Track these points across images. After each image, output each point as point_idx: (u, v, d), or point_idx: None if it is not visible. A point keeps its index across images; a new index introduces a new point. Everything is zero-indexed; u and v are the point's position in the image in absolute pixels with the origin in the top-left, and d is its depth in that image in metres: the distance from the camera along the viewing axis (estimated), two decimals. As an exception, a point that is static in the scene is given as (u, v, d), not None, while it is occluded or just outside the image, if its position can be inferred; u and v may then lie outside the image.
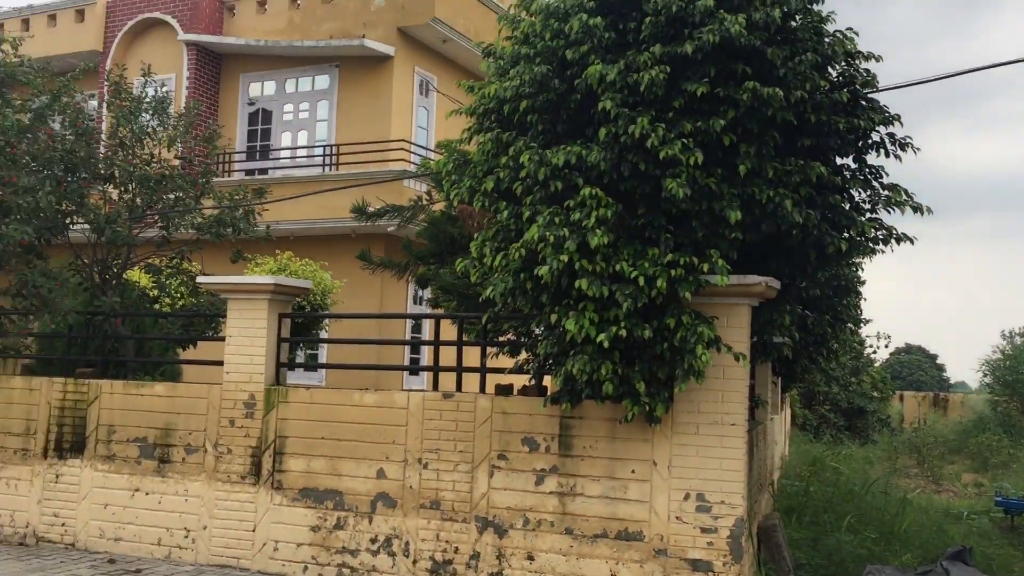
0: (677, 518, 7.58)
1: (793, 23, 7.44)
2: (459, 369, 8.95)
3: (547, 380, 8.62)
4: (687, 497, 7.58)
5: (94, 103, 18.69)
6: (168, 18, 19.70)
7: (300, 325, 13.39)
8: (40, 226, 10.07)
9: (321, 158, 18.40)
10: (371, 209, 11.25)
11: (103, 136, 11.51)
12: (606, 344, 6.83)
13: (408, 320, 17.36)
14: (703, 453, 7.57)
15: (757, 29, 7.05)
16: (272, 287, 9.10)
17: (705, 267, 6.92)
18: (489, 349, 8.97)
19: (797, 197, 7.12)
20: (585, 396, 7.52)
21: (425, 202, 11.11)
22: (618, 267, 6.88)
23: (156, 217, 10.95)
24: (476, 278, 7.74)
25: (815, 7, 7.55)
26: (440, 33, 18.47)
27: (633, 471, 7.78)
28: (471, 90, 8.08)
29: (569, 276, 6.93)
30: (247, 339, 9.17)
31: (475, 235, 7.74)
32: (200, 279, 9.56)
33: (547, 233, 6.85)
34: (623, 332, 6.82)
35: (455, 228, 9.86)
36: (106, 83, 11.42)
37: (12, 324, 10.99)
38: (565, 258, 6.77)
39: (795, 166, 7.20)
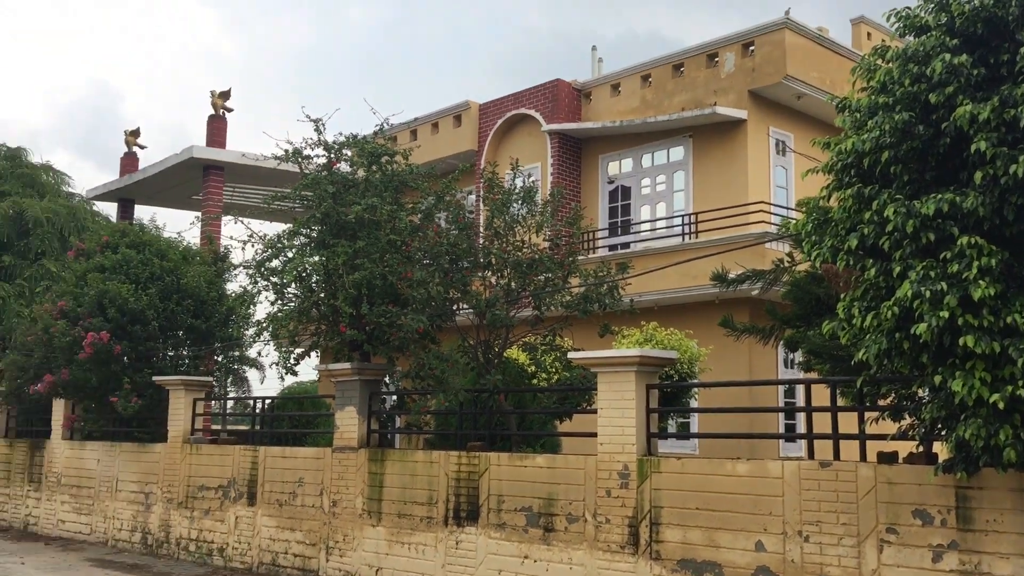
0: (1111, 605, 6.56)
1: None
2: (835, 436, 8.53)
3: (937, 446, 7.94)
4: (1122, 581, 6.55)
5: (472, 198, 20.56)
6: (532, 112, 21.24)
7: (669, 395, 13.53)
8: (432, 314, 11.23)
9: (680, 228, 18.65)
10: (731, 275, 11.19)
11: (481, 227, 12.63)
12: (1002, 405, 6.21)
13: (780, 386, 16.82)
14: None
15: None
16: (638, 359, 9.34)
17: (1120, 314, 6.07)
18: (867, 414, 8.47)
19: None
20: (983, 464, 6.84)
21: (787, 264, 10.85)
22: (1009, 320, 6.26)
23: (529, 298, 11.74)
24: (846, 340, 7.39)
25: None
26: (793, 90, 18.13)
27: (1049, 549, 6.88)
28: (827, 146, 7.84)
29: (951, 333, 6.42)
30: (617, 411, 9.46)
31: (842, 295, 7.42)
32: (571, 354, 10.07)
33: (922, 288, 6.42)
34: (1022, 392, 6.15)
35: (820, 289, 9.50)
36: (481, 179, 12.56)
37: (413, 403, 12.27)
38: (945, 314, 6.30)
39: None
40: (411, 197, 12.79)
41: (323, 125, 12.36)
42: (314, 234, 12.19)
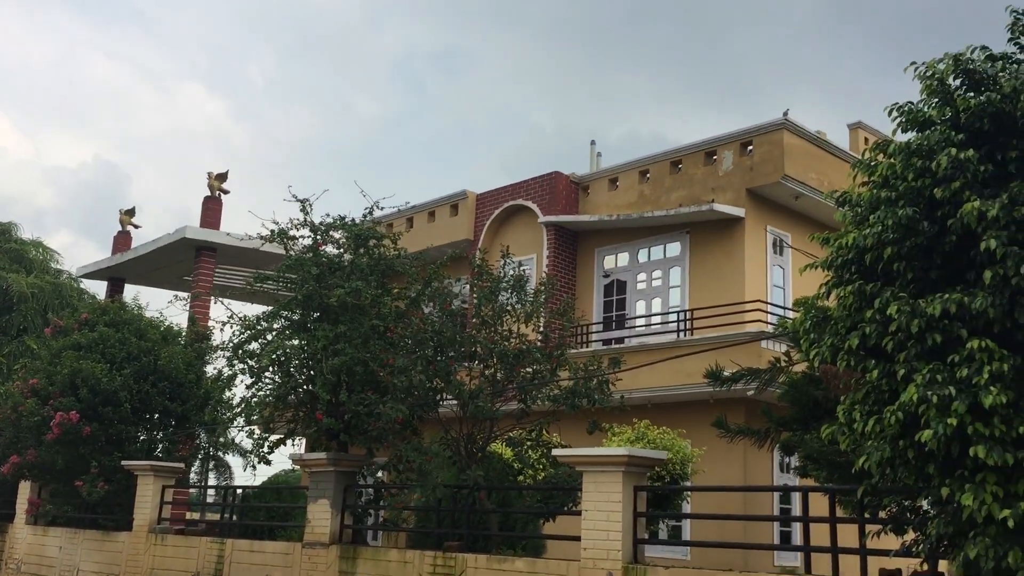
0: None
1: None
2: (834, 550, 7.96)
3: (943, 565, 7.38)
4: None
5: (468, 288, 20.24)
6: (530, 204, 21.09)
7: (660, 497, 12.93)
8: (413, 403, 10.72)
9: (675, 324, 18.28)
10: (725, 373, 10.75)
11: (473, 317, 12.22)
12: (1012, 523, 5.72)
13: (775, 492, 16.18)
14: None
15: None
16: (626, 459, 8.82)
17: None
18: (869, 527, 7.93)
19: None
20: (994, 587, 6.27)
21: (784, 363, 10.42)
22: (1022, 429, 5.82)
23: (515, 391, 11.25)
24: (846, 446, 6.93)
25: None
26: (791, 190, 17.99)
27: None
28: (826, 242, 7.51)
29: (960, 442, 5.97)
30: (602, 513, 8.89)
31: (841, 398, 6.99)
32: (555, 451, 9.56)
33: (928, 393, 5.99)
34: (1037, 509, 5.66)
35: (818, 390, 9.06)
36: (471, 267, 12.19)
37: (390, 497, 11.67)
38: (954, 421, 5.87)
39: None
40: (399, 283, 12.41)
41: (310, 205, 12.08)
42: (296, 317, 11.77)
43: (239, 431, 11.96)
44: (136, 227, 26.96)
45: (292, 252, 12.13)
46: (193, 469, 20.83)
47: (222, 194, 24.17)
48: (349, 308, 11.22)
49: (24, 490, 16.89)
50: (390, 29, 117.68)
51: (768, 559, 15.29)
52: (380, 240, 12.10)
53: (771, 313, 17.29)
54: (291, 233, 12.09)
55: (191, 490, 17.64)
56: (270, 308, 12.05)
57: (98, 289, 26.95)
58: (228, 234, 21.54)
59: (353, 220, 12.20)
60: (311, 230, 12.06)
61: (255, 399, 11.50)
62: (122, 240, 26.49)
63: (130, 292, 26.57)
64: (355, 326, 11.07)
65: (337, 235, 12.20)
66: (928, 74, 7.11)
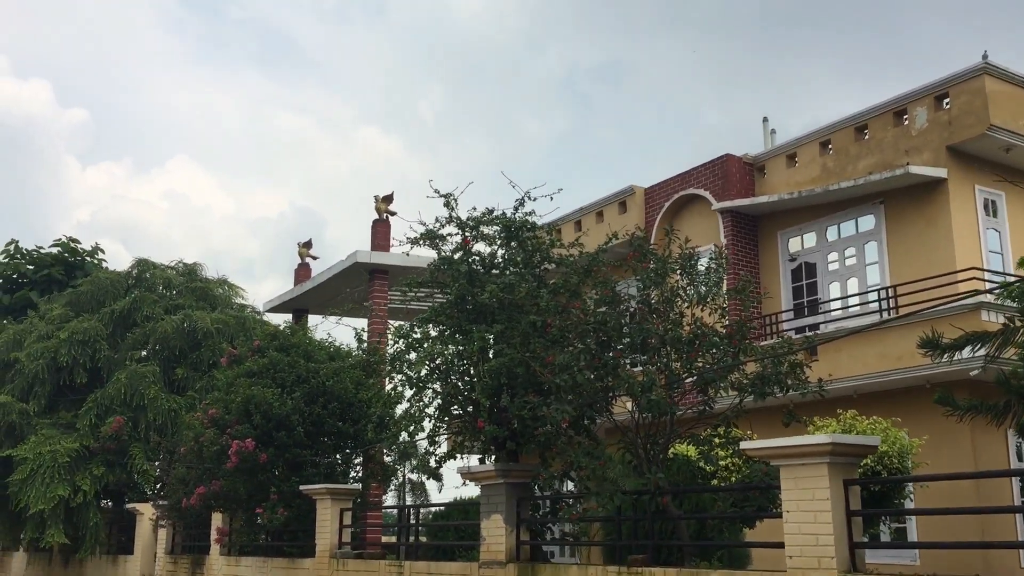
0: None
1: None
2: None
3: None
4: None
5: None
6: (702, 192, 19.74)
7: (878, 494, 11.31)
8: (581, 403, 9.70)
9: (876, 303, 16.39)
10: (945, 341, 9.11)
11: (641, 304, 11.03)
12: None
13: (1015, 478, 13.96)
14: None
15: None
16: (830, 447, 7.42)
17: None
18: None
19: None
20: None
21: (1019, 324, 8.68)
22: None
23: (692, 382, 9.98)
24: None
25: None
26: (1000, 142, 15.84)
27: None
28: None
29: None
30: (808, 513, 7.53)
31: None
32: (744, 444, 8.27)
33: None
34: None
35: (1068, 351, 7.37)
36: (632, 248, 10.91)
37: (568, 508, 10.68)
38: None
39: None
40: (559, 276, 11.42)
41: (455, 200, 11.30)
42: (450, 321, 10.98)
43: (401, 447, 11.22)
44: (314, 258, 27.40)
45: (443, 253, 11.40)
46: (389, 491, 20.61)
47: (390, 216, 24.10)
48: (505, 305, 10.34)
49: (216, 520, 17.07)
50: (552, 49, 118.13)
51: (1013, 559, 13.26)
52: (533, 230, 11.17)
53: (989, 281, 15.13)
54: (440, 233, 11.35)
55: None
56: (422, 315, 11.35)
57: (284, 322, 27.54)
58: (397, 253, 21.28)
59: (503, 212, 11.33)
60: (458, 227, 11.29)
61: (414, 411, 10.80)
62: (302, 272, 27.00)
63: (313, 322, 27.00)
64: (512, 324, 10.18)
65: (488, 230, 11.37)
66: None
